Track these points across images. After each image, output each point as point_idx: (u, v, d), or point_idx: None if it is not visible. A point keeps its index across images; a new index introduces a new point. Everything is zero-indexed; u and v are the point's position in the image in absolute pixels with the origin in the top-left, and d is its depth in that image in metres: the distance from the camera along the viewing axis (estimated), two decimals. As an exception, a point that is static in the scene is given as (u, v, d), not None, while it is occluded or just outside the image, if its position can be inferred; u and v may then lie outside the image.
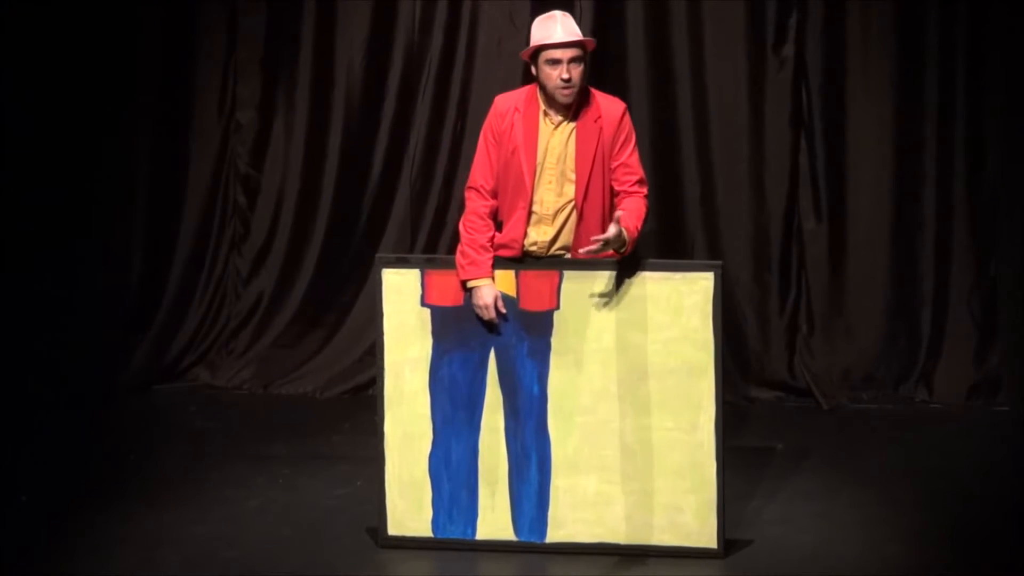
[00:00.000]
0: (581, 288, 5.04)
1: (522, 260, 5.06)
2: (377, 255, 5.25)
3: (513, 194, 5.05)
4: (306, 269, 7.33)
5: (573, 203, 5.05)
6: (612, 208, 5.05)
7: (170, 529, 5.32)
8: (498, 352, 5.07)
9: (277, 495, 5.73)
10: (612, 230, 4.79)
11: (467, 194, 5.13)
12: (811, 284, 7.09)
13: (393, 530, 5.16)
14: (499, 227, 5.10)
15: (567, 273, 5.04)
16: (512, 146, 5.03)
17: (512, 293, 5.05)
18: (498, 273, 5.05)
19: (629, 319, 5.01)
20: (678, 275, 5.00)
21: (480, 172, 5.09)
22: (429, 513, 5.13)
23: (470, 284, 5.02)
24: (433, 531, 5.14)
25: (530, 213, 5.06)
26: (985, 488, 5.77)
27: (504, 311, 5.02)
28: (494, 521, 5.12)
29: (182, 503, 5.59)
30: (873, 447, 6.34)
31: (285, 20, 7.21)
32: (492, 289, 5.01)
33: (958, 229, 6.97)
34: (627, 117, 5.08)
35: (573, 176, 5.03)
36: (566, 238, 5.09)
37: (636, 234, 4.91)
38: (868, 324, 7.03)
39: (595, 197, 5.03)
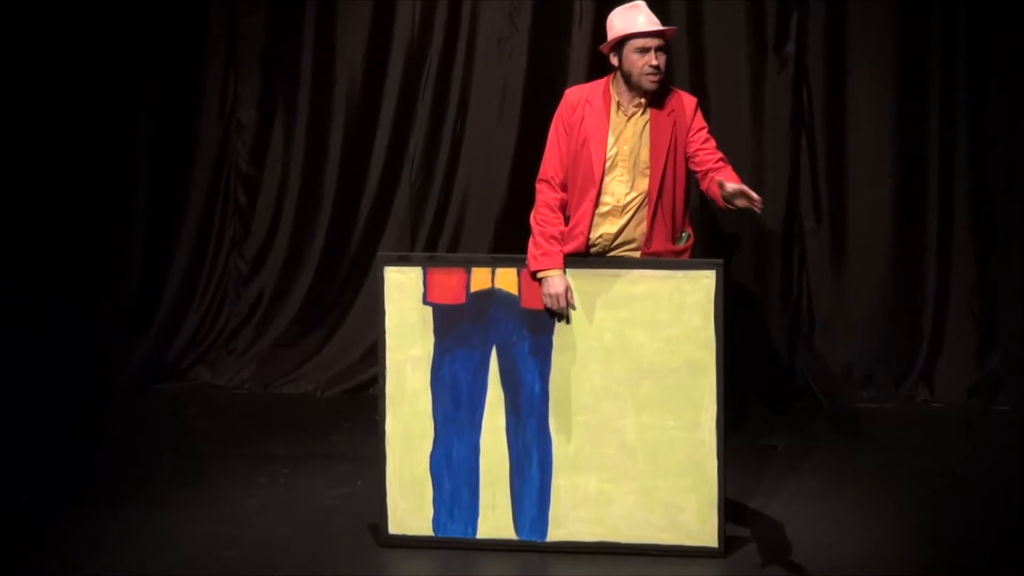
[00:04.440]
0: (583, 286, 5.04)
1: (585, 255, 5.07)
2: (379, 253, 5.25)
3: (582, 186, 5.07)
4: (306, 269, 7.33)
5: (644, 197, 5.06)
6: (685, 203, 5.14)
7: (170, 529, 5.31)
8: (500, 351, 5.07)
9: (277, 495, 5.72)
10: (734, 187, 4.81)
11: (537, 186, 5.15)
12: (812, 283, 7.09)
13: (394, 529, 5.16)
14: (567, 220, 5.13)
15: (569, 272, 5.04)
16: (582, 138, 5.06)
17: (514, 291, 5.06)
18: (500, 271, 5.06)
19: (630, 318, 5.01)
20: (679, 273, 5.00)
21: (550, 164, 5.12)
22: (430, 512, 5.13)
23: (540, 275, 5.01)
24: (434, 530, 5.14)
25: (597, 205, 5.07)
26: (985, 488, 5.76)
27: (573, 302, 5.02)
28: (495, 520, 5.12)
29: (182, 503, 5.59)
30: (874, 446, 6.34)
31: (286, 19, 7.22)
32: (563, 279, 5.00)
33: (959, 229, 6.97)
34: (699, 110, 5.12)
35: (647, 170, 5.05)
36: (632, 232, 5.10)
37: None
38: (869, 323, 7.03)
39: (669, 190, 5.07)
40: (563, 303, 5.00)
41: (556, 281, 5.00)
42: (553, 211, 5.09)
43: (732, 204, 4.89)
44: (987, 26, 6.84)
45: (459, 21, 7.14)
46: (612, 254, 5.15)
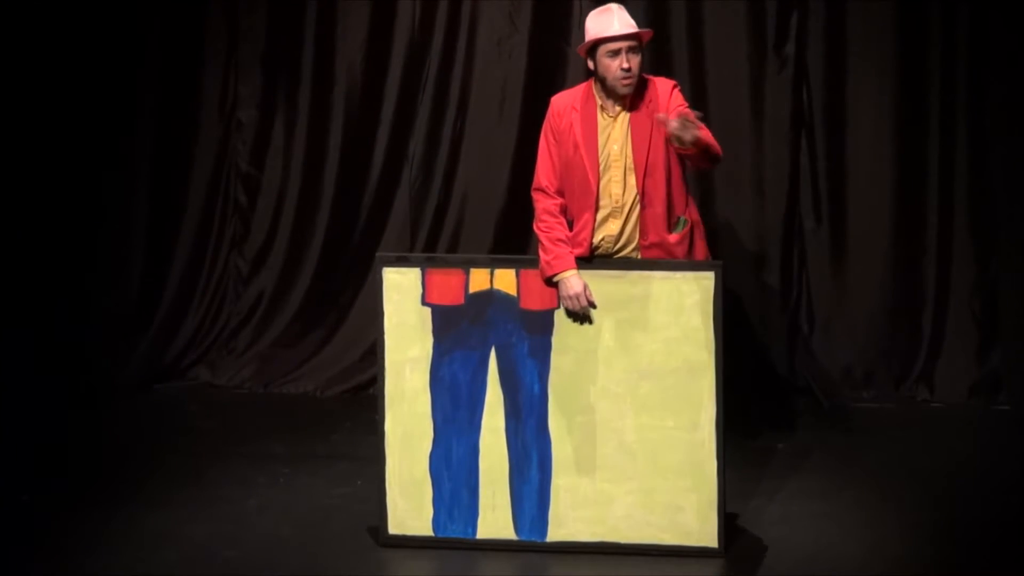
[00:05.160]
0: (582, 287, 5.04)
1: (590, 260, 5.07)
2: (378, 254, 5.25)
3: (580, 192, 5.06)
4: (306, 268, 7.33)
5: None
6: (679, 195, 5.09)
7: (170, 529, 5.32)
8: (499, 351, 5.07)
9: (277, 494, 5.73)
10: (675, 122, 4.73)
11: (534, 195, 5.15)
12: (812, 283, 7.08)
13: (394, 529, 5.16)
14: (569, 226, 5.12)
15: (568, 272, 5.05)
16: (573, 144, 5.05)
17: (513, 292, 5.06)
18: (498, 272, 5.06)
19: (630, 318, 5.01)
20: (679, 274, 5.00)
21: (544, 173, 5.12)
22: (430, 512, 5.13)
23: (556, 279, 5.01)
24: (434, 530, 5.14)
25: (597, 209, 5.06)
26: (985, 488, 5.76)
27: (593, 300, 5.01)
28: (495, 520, 5.12)
29: (182, 503, 5.59)
30: (874, 446, 6.34)
31: (286, 19, 7.22)
32: (579, 280, 5.00)
33: (959, 229, 6.97)
34: (677, 91, 5.09)
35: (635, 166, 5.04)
36: (634, 232, 5.09)
37: (709, 138, 4.82)
38: (869, 323, 7.03)
39: (657, 183, 5.04)
40: (584, 303, 5.00)
41: (573, 282, 5.00)
42: (554, 216, 5.09)
43: (683, 142, 4.78)
44: (987, 26, 6.84)
45: (459, 21, 7.13)
46: (618, 256, 5.14)
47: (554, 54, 7.08)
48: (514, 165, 7.08)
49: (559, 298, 5.03)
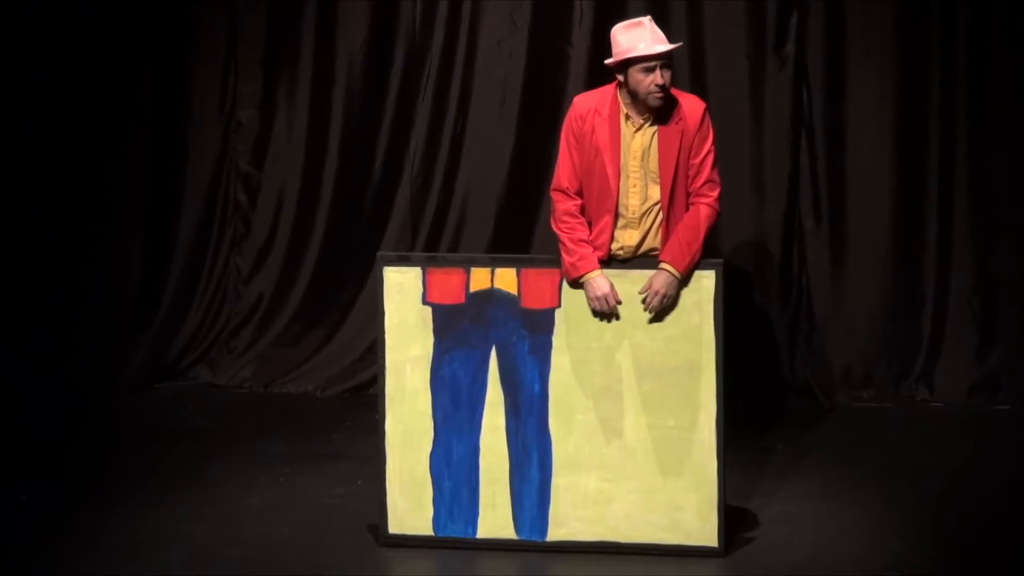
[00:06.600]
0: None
1: (608, 263, 5.06)
2: (379, 253, 5.25)
3: (599, 197, 5.05)
4: (306, 268, 7.33)
5: (659, 205, 5.04)
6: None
7: (170, 529, 5.31)
8: (499, 350, 5.07)
9: (277, 494, 5.73)
10: (656, 284, 4.94)
11: (553, 195, 5.13)
12: (812, 283, 7.09)
13: (394, 528, 5.16)
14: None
15: (569, 272, 5.05)
16: (594, 150, 5.03)
17: (513, 291, 5.06)
18: (499, 271, 5.06)
19: (630, 317, 5.01)
20: (679, 273, 5.00)
21: (564, 173, 5.09)
22: (430, 511, 5.13)
23: (582, 280, 5.00)
24: (434, 529, 5.14)
25: (616, 217, 5.06)
26: (985, 488, 5.77)
27: (620, 300, 5.01)
28: (495, 519, 5.12)
29: (182, 503, 5.59)
30: (873, 446, 6.34)
31: (286, 18, 7.22)
32: (605, 279, 4.99)
33: (958, 228, 6.97)
34: (707, 116, 5.07)
35: (658, 179, 5.03)
36: (652, 241, 5.08)
37: (690, 258, 4.95)
38: (869, 323, 7.03)
39: (680, 197, 5.04)
40: (612, 303, 4.99)
41: (600, 282, 4.99)
42: (574, 216, 5.07)
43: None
44: (987, 26, 6.84)
45: (459, 21, 7.13)
46: None
47: (554, 54, 7.09)
48: (514, 165, 7.09)
49: (586, 299, 5.02)
